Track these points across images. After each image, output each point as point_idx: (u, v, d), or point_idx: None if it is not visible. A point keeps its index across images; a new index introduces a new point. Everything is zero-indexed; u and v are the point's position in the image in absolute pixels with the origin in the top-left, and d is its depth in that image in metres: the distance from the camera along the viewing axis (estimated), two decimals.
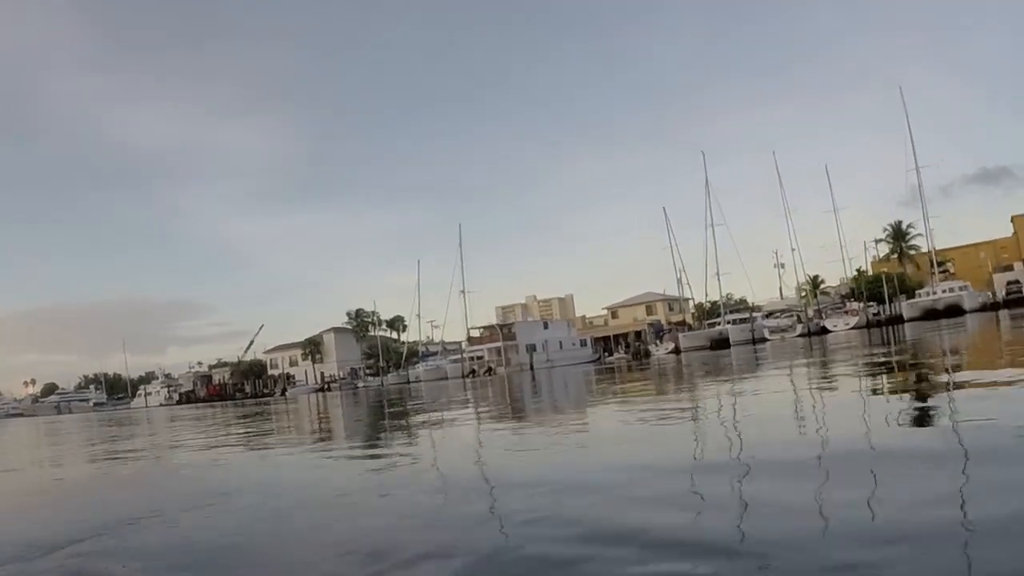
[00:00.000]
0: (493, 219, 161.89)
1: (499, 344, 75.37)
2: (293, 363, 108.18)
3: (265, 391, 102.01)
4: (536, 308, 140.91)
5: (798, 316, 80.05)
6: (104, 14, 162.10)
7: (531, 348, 75.52)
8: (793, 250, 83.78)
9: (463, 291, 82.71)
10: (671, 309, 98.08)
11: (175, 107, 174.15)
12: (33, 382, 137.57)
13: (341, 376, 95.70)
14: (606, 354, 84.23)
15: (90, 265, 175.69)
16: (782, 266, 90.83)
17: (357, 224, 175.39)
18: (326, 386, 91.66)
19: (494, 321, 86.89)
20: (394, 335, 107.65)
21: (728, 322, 76.90)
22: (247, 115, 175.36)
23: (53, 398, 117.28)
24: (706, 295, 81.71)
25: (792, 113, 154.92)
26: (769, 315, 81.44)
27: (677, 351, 72.20)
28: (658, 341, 79.48)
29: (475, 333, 80.00)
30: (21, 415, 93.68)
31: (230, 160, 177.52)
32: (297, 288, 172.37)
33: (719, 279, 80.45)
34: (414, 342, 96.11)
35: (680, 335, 76.31)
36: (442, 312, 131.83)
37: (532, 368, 71.12)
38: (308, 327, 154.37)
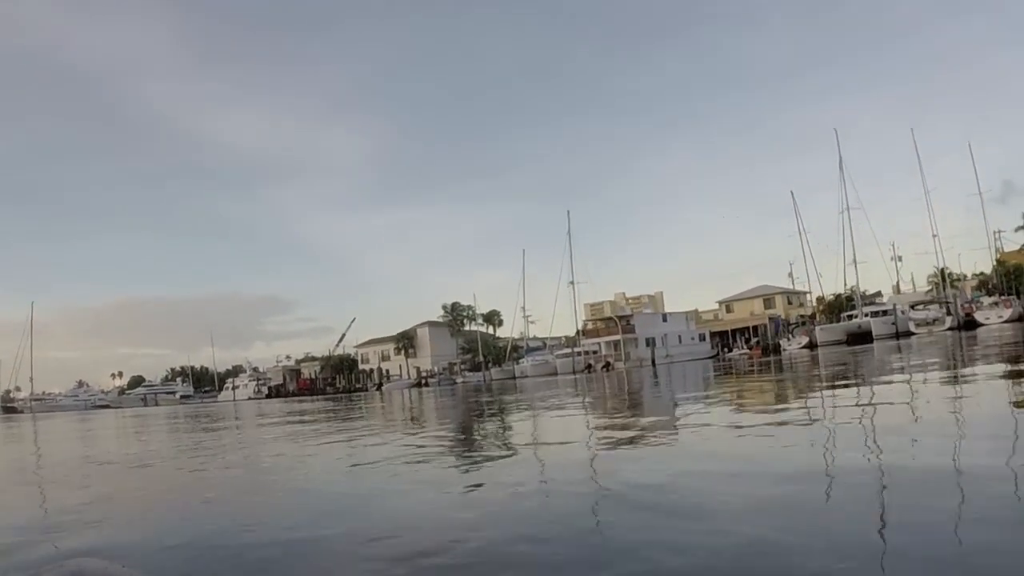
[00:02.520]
0: (582, 215, 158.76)
1: (617, 337, 69.37)
2: (385, 358, 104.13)
3: (357, 386, 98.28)
4: (625, 305, 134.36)
5: (947, 308, 71.81)
6: (204, 21, 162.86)
7: (651, 342, 69.29)
8: (935, 236, 75.22)
9: (572, 282, 77.18)
10: (790, 303, 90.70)
11: (272, 109, 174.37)
12: (120, 374, 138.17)
13: (437, 371, 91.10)
14: (725, 350, 77.80)
15: (184, 260, 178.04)
16: (899, 258, 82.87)
17: (445, 222, 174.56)
18: (423, 381, 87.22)
19: (582, 318, 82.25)
20: (490, 330, 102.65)
21: (865, 314, 69.55)
22: (342, 116, 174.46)
23: (139, 390, 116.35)
24: (844, 283, 73.82)
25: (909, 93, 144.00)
26: (913, 306, 73.31)
27: (811, 346, 65.93)
28: (790, 335, 72.50)
29: (589, 325, 74.03)
30: (107, 406, 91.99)
31: (324, 159, 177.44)
32: (385, 285, 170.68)
33: (856, 268, 72.83)
34: (520, 336, 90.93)
35: (817, 328, 69.04)
36: (534, 309, 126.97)
37: (654, 363, 65.18)
38: (396, 323, 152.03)
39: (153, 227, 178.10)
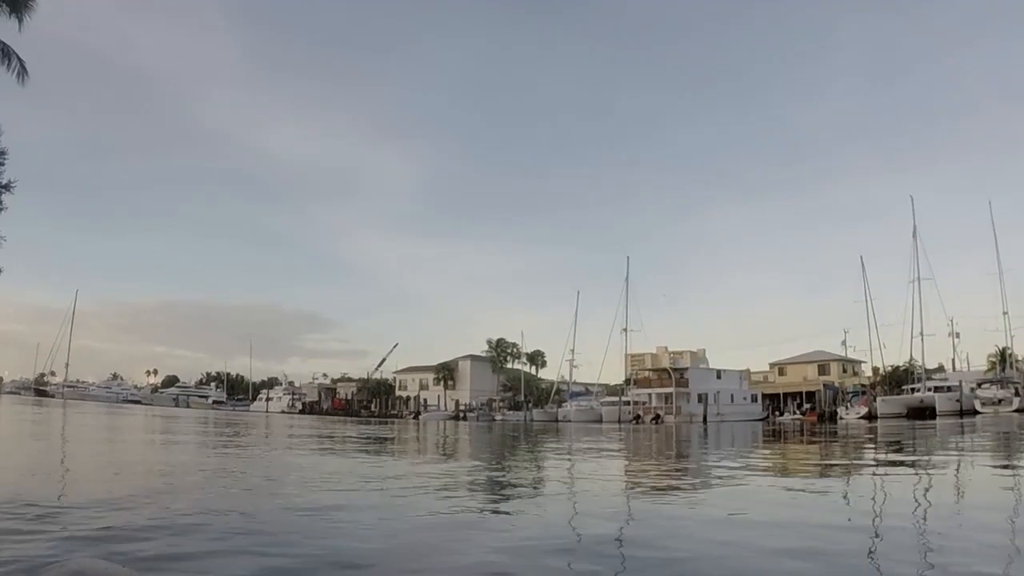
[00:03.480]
0: (624, 266, 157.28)
1: (670, 390, 67.07)
2: (423, 386, 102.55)
3: (392, 412, 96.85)
4: (666, 360, 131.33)
5: (1016, 388, 68.48)
6: (260, 29, 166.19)
7: (704, 398, 66.90)
8: (1005, 314, 72.06)
9: (625, 329, 75.32)
10: (844, 371, 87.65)
11: (326, 126, 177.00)
12: (155, 372, 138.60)
13: (476, 405, 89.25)
14: (776, 413, 75.01)
15: (226, 268, 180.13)
16: (957, 334, 79.41)
17: (490, 257, 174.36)
18: (461, 415, 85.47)
19: (621, 371, 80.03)
20: (532, 370, 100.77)
21: (928, 389, 66.78)
22: (395, 139, 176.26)
23: (172, 390, 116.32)
24: (910, 355, 70.87)
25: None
26: (980, 384, 70.04)
27: (869, 417, 63.27)
28: (848, 404, 69.64)
29: (642, 375, 71.92)
30: (138, 403, 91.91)
31: (375, 181, 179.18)
32: (425, 313, 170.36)
33: (923, 340, 69.96)
34: (563, 379, 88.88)
35: (879, 399, 66.17)
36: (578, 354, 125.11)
37: (705, 420, 62.84)
38: (433, 352, 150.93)
39: (199, 231, 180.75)
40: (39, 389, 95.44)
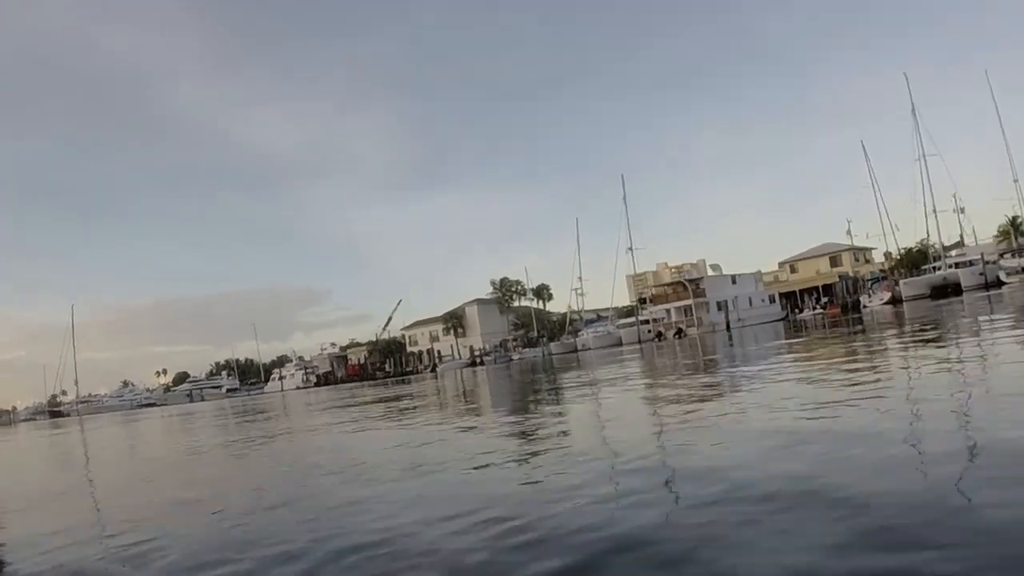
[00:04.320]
0: (613, 195, 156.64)
1: (688, 302, 65.42)
2: (434, 338, 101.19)
3: (407, 369, 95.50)
4: (668, 275, 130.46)
5: None
6: (216, 18, 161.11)
7: (723, 306, 65.32)
8: (1016, 181, 70.15)
9: (630, 248, 73.28)
10: (856, 259, 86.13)
11: (295, 105, 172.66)
12: (164, 372, 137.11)
13: (491, 349, 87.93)
14: (796, 311, 73.69)
15: (219, 258, 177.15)
16: (962, 210, 77.59)
17: (476, 207, 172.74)
18: (478, 360, 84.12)
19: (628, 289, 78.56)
20: (539, 305, 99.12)
21: (948, 266, 65.11)
22: (366, 107, 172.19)
23: (185, 386, 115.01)
24: (927, 234, 69.07)
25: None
26: (1002, 255, 68.52)
27: (894, 301, 61.83)
28: (870, 291, 68.20)
29: (656, 291, 70.28)
30: (153, 404, 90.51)
31: (351, 151, 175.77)
32: (423, 270, 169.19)
33: (936, 217, 68.17)
34: (573, 309, 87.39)
35: (902, 282, 64.66)
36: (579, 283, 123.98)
37: (729, 328, 61.38)
38: (438, 305, 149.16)
39: (185, 227, 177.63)
40: (53, 411, 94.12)
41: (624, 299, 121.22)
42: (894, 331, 19.58)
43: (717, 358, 18.82)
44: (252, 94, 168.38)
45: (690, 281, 66.83)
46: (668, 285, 70.41)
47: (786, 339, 25.78)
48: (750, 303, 69.74)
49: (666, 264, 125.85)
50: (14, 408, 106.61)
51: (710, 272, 68.48)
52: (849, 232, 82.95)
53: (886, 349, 13.73)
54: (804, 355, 15.76)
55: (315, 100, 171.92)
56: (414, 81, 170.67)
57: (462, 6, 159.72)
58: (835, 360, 12.50)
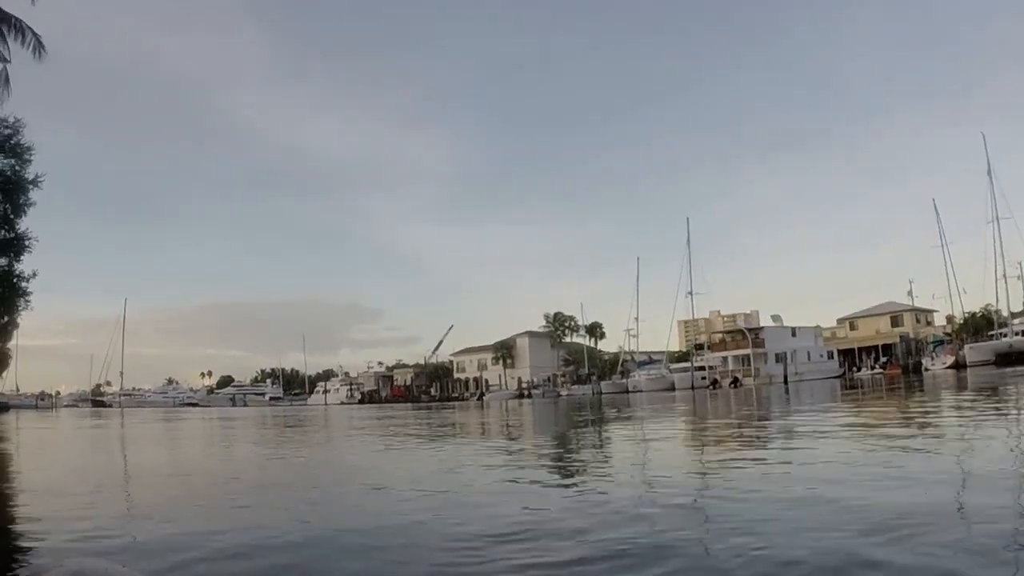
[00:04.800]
0: (671, 235, 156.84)
1: (746, 351, 64.87)
2: (482, 367, 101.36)
3: (454, 395, 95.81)
4: (720, 324, 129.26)
5: None
6: (288, 30, 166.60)
7: (782, 358, 64.61)
8: None
9: (690, 292, 72.91)
10: (918, 321, 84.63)
11: (359, 117, 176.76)
12: (210, 373, 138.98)
13: (539, 382, 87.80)
14: (854, 369, 72.48)
15: (273, 265, 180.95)
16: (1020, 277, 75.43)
17: (532, 234, 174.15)
18: (525, 392, 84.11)
19: (677, 339, 77.99)
20: (591, 342, 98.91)
21: (1016, 333, 63.69)
22: (429, 126, 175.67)
23: (228, 390, 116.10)
24: (995, 298, 67.68)
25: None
26: None
27: (956, 366, 60.52)
28: (933, 354, 66.96)
29: (716, 338, 69.77)
30: (196, 405, 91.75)
31: (411, 169, 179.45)
32: (475, 295, 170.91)
33: (1007, 282, 66.84)
34: (622, 349, 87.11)
35: (968, 347, 63.42)
36: (626, 324, 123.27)
37: (786, 381, 60.61)
38: (485, 333, 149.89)
39: (241, 231, 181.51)
40: (96, 400, 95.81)
41: (675, 343, 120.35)
42: (970, 399, 19.24)
43: (780, 418, 18.44)
44: (316, 104, 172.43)
45: (750, 330, 66.24)
46: (727, 332, 69.93)
47: (848, 398, 25.37)
48: (808, 357, 68.92)
49: (719, 312, 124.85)
50: (57, 393, 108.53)
51: (771, 323, 67.80)
52: (911, 293, 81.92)
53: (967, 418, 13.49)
54: (871, 421, 15.49)
55: (379, 113, 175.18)
56: (479, 102, 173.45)
57: (534, 28, 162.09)
58: (910, 431, 12.25)
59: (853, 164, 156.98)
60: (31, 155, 21.08)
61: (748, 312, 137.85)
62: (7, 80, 18.22)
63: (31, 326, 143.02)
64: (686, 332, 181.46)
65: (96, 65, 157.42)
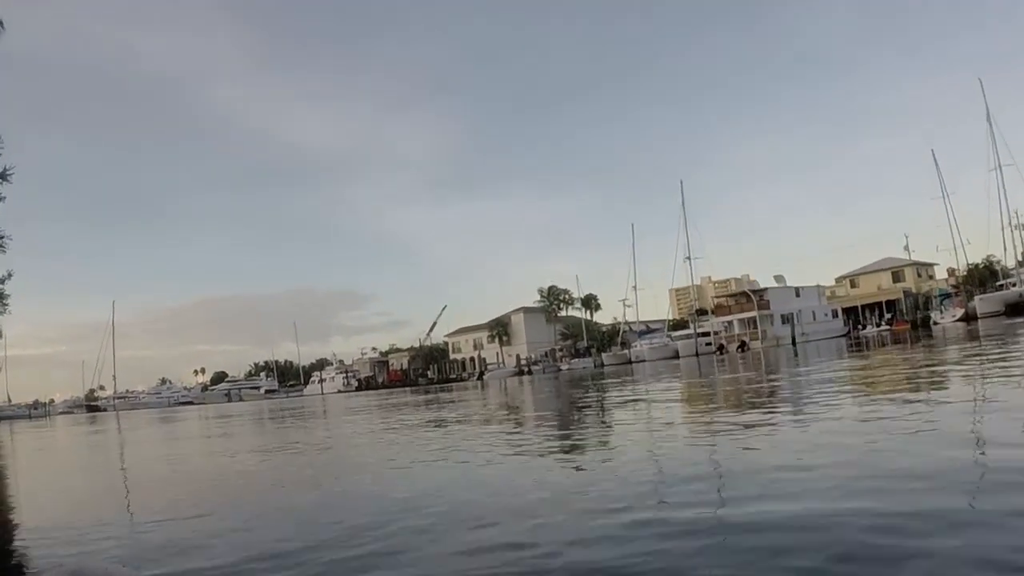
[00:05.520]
0: (657, 205, 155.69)
1: (752, 314, 62.94)
2: (478, 346, 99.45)
3: (451, 376, 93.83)
4: (711, 289, 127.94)
5: None
6: (265, 22, 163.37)
7: (789, 319, 62.74)
8: None
9: (688, 257, 70.84)
10: (919, 276, 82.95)
11: (341, 106, 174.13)
12: (203, 370, 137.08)
13: (538, 358, 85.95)
14: (859, 326, 70.78)
15: (261, 258, 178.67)
16: (1022, 226, 73.77)
17: (519, 211, 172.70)
18: (525, 369, 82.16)
19: (669, 308, 76.27)
20: (586, 315, 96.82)
21: None
22: (408, 111, 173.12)
23: (223, 386, 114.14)
24: (1003, 247, 65.71)
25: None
26: None
27: (967, 318, 58.94)
28: (942, 308, 65.33)
29: (719, 302, 67.85)
30: (191, 403, 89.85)
31: (392, 155, 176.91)
32: (463, 278, 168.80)
33: (1016, 231, 64.94)
34: (619, 322, 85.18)
35: (978, 298, 61.68)
36: (624, 295, 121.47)
37: (794, 343, 58.79)
38: (479, 313, 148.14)
39: (226, 226, 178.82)
40: (90, 405, 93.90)
41: (665, 312, 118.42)
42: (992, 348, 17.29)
43: (800, 378, 16.28)
44: (296, 94, 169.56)
45: (754, 292, 64.24)
46: (731, 295, 68.02)
47: (861, 356, 23.53)
48: (814, 317, 67.15)
49: (710, 278, 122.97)
50: (51, 401, 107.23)
51: (774, 284, 65.81)
52: (907, 247, 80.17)
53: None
54: (896, 375, 13.42)
55: (359, 101, 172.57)
56: (460, 83, 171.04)
57: (510, 9, 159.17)
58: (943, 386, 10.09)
59: (838, 119, 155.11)
60: (1, 147, 18.59)
61: (739, 276, 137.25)
62: None
63: (23, 334, 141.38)
64: (678, 300, 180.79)
65: (76, 67, 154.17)
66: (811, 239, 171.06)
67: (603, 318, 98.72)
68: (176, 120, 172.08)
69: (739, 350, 59.36)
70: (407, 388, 77.19)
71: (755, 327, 62.98)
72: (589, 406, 14.40)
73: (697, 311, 73.43)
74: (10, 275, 19.40)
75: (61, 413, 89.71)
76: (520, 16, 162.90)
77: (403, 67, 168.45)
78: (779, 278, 66.25)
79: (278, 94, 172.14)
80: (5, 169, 19.11)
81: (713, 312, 69.10)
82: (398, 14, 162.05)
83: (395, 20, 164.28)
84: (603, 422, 10.50)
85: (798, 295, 67.24)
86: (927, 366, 14.59)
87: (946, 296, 68.63)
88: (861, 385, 12.05)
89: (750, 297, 64.34)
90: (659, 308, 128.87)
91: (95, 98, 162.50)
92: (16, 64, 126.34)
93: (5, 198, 18.88)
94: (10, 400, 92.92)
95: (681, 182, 72.49)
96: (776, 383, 14.96)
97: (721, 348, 61.48)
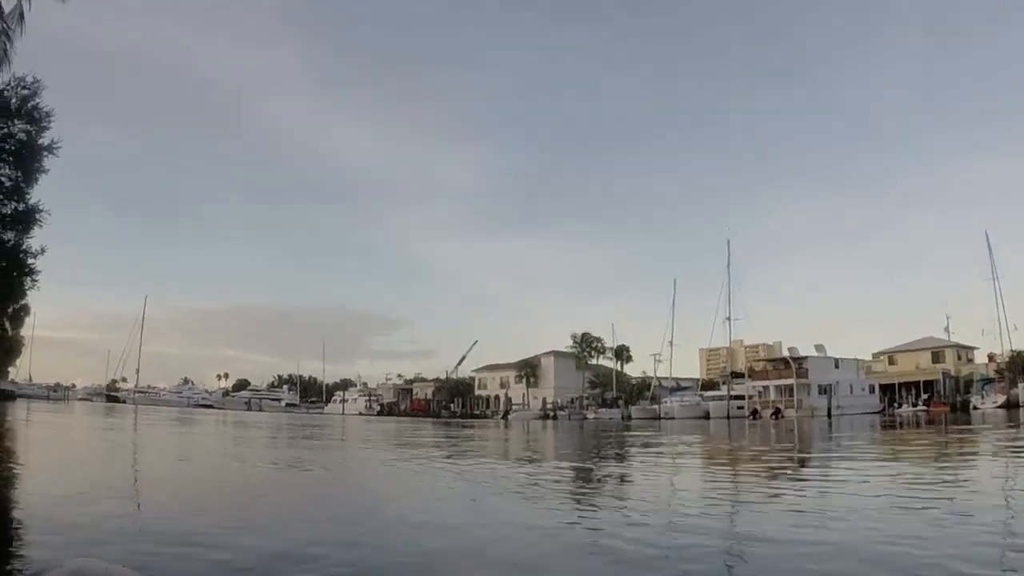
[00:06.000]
0: (696, 262, 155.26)
1: (790, 381, 61.75)
2: (504, 385, 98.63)
3: (475, 411, 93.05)
4: (743, 354, 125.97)
5: None
6: (323, 41, 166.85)
7: (827, 390, 61.46)
8: None
9: (728, 318, 70.06)
10: (959, 358, 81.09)
11: (391, 129, 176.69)
12: (226, 376, 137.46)
13: (564, 403, 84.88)
14: (895, 404, 69.08)
15: (296, 271, 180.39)
16: None
17: (556, 254, 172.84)
18: (550, 413, 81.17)
19: (701, 368, 74.88)
20: (617, 366, 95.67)
21: None
22: (456, 141, 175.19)
23: (244, 394, 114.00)
24: None
25: None
26: None
27: (1007, 405, 57.46)
28: (984, 392, 63.73)
29: (756, 366, 66.73)
30: (210, 406, 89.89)
31: (437, 183, 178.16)
32: (496, 314, 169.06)
33: None
34: (649, 376, 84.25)
35: (1021, 386, 60.15)
36: (655, 348, 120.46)
37: (830, 415, 57.59)
38: (506, 351, 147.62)
39: (267, 237, 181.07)
40: (110, 395, 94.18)
41: (695, 371, 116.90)
42: None
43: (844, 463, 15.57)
44: (348, 114, 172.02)
45: (794, 359, 63.05)
46: (769, 360, 66.80)
47: (902, 436, 22.72)
48: (851, 390, 65.67)
49: (741, 342, 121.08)
50: (73, 386, 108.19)
51: (814, 353, 64.63)
52: (947, 328, 78.80)
53: None
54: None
55: (409, 126, 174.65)
56: (513, 119, 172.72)
57: (569, 47, 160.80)
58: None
59: (882, 195, 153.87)
60: (50, 121, 18.79)
61: (771, 343, 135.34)
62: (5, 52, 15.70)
63: (54, 317, 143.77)
64: (708, 360, 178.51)
65: (133, 65, 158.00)
66: (849, 310, 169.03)
67: (632, 370, 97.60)
68: (225, 126, 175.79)
69: (773, 416, 58.20)
70: (429, 419, 76.78)
71: (791, 395, 61.69)
72: (628, 471, 13.88)
73: (732, 373, 72.06)
74: (43, 250, 19.38)
75: (80, 399, 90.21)
76: (579, 57, 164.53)
77: (458, 98, 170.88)
78: (819, 347, 65.10)
79: (330, 111, 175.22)
80: (52, 142, 19.25)
81: (750, 376, 67.73)
82: (460, 44, 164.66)
83: (455, 51, 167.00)
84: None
85: (837, 366, 65.96)
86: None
87: (988, 381, 67.00)
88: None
89: (789, 364, 63.16)
90: (689, 366, 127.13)
91: (147, 96, 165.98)
92: (75, 55, 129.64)
93: (49, 171, 19.00)
94: (31, 379, 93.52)
95: (728, 242, 72.09)
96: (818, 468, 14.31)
97: (755, 413, 60.32)
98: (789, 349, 64.12)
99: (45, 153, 18.03)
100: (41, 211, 18.38)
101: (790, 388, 62.09)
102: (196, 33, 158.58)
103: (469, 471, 11.09)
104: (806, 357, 63.42)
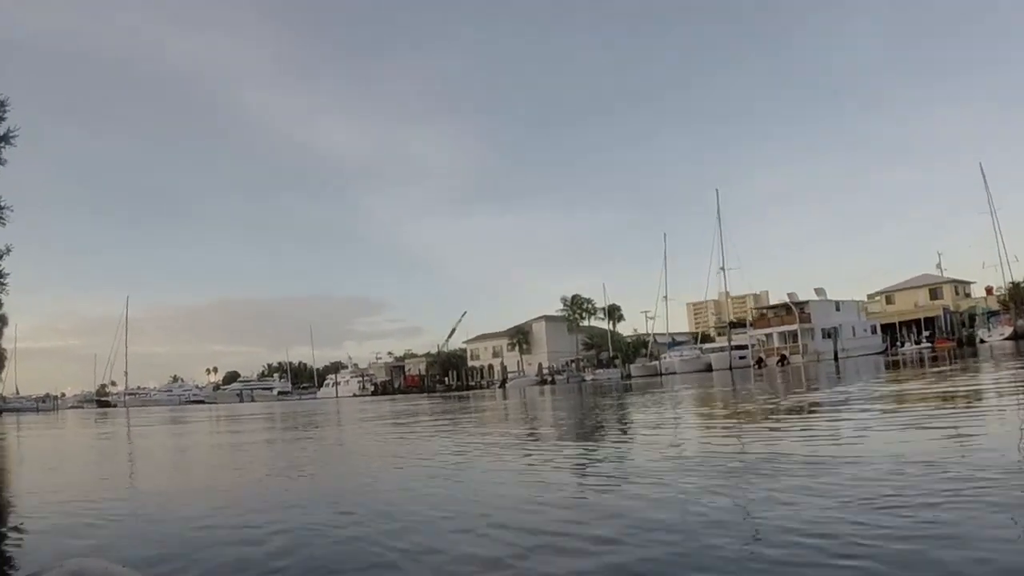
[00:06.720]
0: (682, 225, 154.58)
1: (794, 327, 60.45)
2: (497, 354, 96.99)
3: (471, 383, 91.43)
4: (729, 305, 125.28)
5: None
6: (293, 28, 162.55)
7: (830, 333, 60.24)
8: None
9: (722, 268, 68.49)
10: (957, 293, 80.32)
11: (363, 115, 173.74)
12: (215, 370, 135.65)
13: (561, 367, 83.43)
14: (897, 344, 68.13)
15: (279, 262, 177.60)
16: None
17: (539, 226, 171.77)
18: (548, 378, 79.69)
19: (689, 323, 73.91)
20: (609, 326, 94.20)
21: None
22: (432, 122, 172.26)
23: (235, 386, 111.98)
24: None
25: None
26: None
27: (1016, 336, 56.79)
28: (990, 325, 62.94)
29: (758, 314, 65.37)
30: (201, 402, 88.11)
31: (414, 165, 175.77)
32: (480, 287, 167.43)
33: None
34: (644, 333, 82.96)
35: None
36: (644, 308, 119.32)
37: (836, 358, 56.36)
38: (496, 324, 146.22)
39: (245, 230, 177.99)
40: (101, 400, 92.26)
41: (685, 326, 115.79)
42: None
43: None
44: (321, 101, 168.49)
45: (796, 304, 61.71)
46: (770, 307, 65.49)
47: (917, 375, 21.27)
48: (853, 332, 64.62)
49: (727, 293, 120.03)
50: (62, 395, 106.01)
51: (815, 296, 63.34)
52: (939, 265, 78.16)
53: None
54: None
55: (383, 110, 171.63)
56: (486, 96, 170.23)
57: (539, 23, 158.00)
58: None
59: (866, 146, 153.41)
60: (5, 112, 16.43)
61: (757, 293, 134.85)
62: None
63: (36, 327, 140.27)
64: (695, 315, 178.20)
65: (102, 62, 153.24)
66: (838, 260, 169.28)
67: (624, 330, 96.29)
68: (200, 120, 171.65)
69: (779, 364, 56.95)
70: (425, 394, 74.98)
71: (795, 341, 60.47)
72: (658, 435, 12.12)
73: (730, 323, 70.76)
74: (8, 250, 17.13)
75: (71, 408, 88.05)
76: (548, 30, 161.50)
77: (428, 78, 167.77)
78: (820, 291, 63.84)
79: (304, 99, 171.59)
80: (8, 131, 17.01)
81: (752, 324, 66.38)
82: (425, 26, 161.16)
83: (422, 32, 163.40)
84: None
85: (838, 309, 64.81)
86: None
87: (993, 314, 66.15)
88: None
89: (791, 310, 61.87)
90: (678, 323, 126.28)
91: (119, 93, 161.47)
92: (44, 55, 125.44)
93: (7, 162, 16.79)
94: (18, 392, 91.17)
95: (717, 191, 70.48)
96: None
97: (760, 361, 59.05)
98: (789, 295, 62.67)
99: (1, 143, 15.81)
100: (3, 207, 16.16)
101: (794, 334, 60.89)
102: (163, 26, 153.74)
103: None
104: (807, 302, 62.17)
